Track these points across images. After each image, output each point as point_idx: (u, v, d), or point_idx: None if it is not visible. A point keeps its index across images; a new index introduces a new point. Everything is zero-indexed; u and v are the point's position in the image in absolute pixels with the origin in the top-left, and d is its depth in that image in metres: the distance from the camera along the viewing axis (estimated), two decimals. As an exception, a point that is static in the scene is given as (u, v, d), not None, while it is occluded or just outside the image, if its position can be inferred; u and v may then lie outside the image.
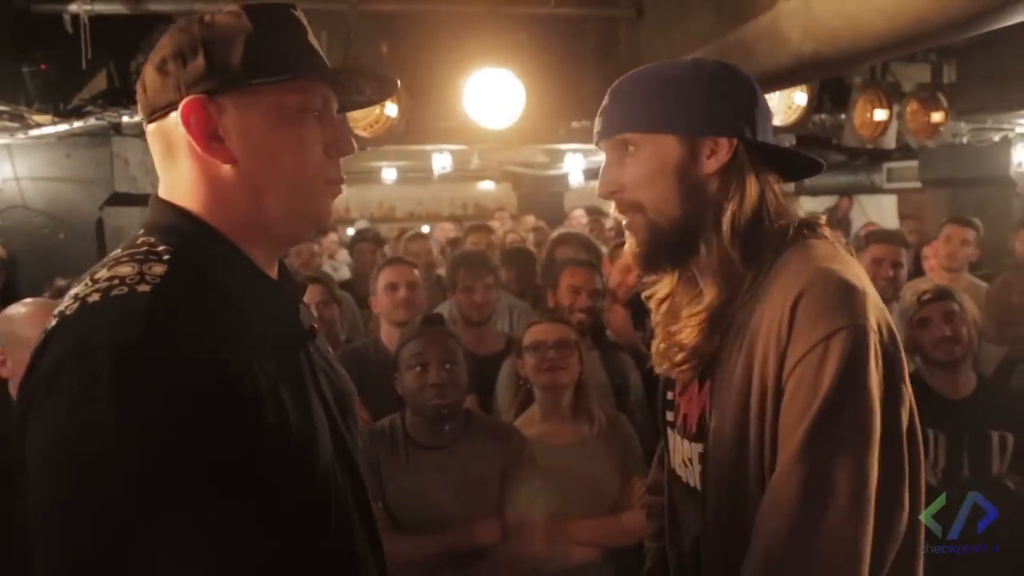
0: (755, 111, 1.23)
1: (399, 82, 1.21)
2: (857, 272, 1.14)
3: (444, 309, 3.50)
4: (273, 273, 1.12)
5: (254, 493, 0.94)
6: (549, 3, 3.34)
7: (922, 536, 1.16)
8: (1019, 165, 5.46)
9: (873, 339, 1.06)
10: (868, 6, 1.94)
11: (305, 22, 1.09)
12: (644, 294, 1.40)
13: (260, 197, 1.04)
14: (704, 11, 2.98)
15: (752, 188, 1.20)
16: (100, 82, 3.75)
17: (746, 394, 1.12)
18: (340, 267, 6.38)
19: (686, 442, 1.29)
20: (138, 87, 1.07)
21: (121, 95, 3.88)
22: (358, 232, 4.84)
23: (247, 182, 1.03)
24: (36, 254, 3.86)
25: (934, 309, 2.49)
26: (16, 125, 3.43)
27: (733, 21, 2.67)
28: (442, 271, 5.05)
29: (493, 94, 3.09)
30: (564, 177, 8.83)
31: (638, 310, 3.57)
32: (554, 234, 4.42)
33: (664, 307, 1.34)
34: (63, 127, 3.47)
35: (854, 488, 1.02)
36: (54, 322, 0.94)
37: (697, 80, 1.20)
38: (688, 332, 1.22)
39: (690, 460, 1.28)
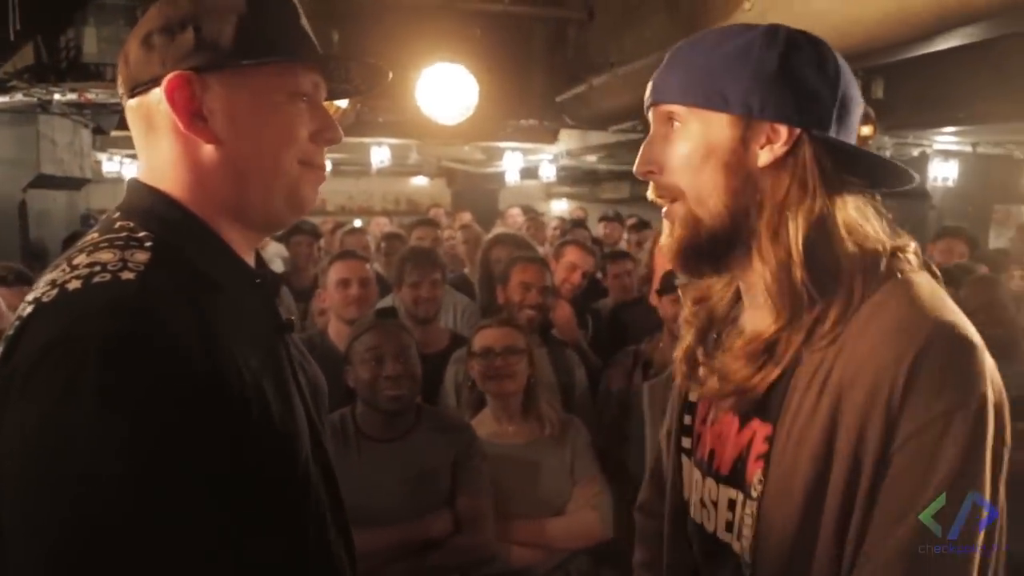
0: (834, 101, 0.99)
1: (391, 73, 1.20)
2: (966, 320, 0.96)
3: (387, 304, 3.47)
4: (251, 261, 1.10)
5: (242, 488, 0.92)
6: (503, 1, 3.34)
7: None
8: (935, 179, 5.77)
9: (992, 415, 0.91)
10: (823, 22, 2.02)
11: (298, 4, 1.07)
12: (679, 283, 1.21)
13: (243, 180, 1.01)
14: (658, 17, 3.04)
15: (818, 193, 0.98)
16: (26, 56, 3.56)
17: (827, 455, 0.95)
18: (272, 260, 6.24)
19: (710, 480, 1.13)
20: (120, 60, 1.03)
21: (50, 71, 3.69)
22: (294, 225, 4.72)
23: (230, 164, 1.00)
24: (-46, 236, 3.64)
25: None
26: (-66, 98, 3.23)
27: (687, 28, 2.73)
28: (377, 266, 5.02)
29: (447, 89, 3.08)
30: (501, 175, 8.85)
31: (581, 309, 3.64)
32: (490, 234, 4.42)
33: (703, 312, 1.17)
34: (-14, 103, 3.28)
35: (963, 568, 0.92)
36: (29, 309, 0.89)
37: (767, 50, 0.97)
38: (739, 364, 1.03)
39: (714, 503, 1.12)
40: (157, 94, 0.98)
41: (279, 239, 6.59)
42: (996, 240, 6.34)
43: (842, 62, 1.01)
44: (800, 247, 0.98)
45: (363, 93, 1.22)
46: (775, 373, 1.00)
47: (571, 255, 3.61)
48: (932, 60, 4.07)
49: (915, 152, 5.50)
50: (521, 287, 2.95)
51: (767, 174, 1.00)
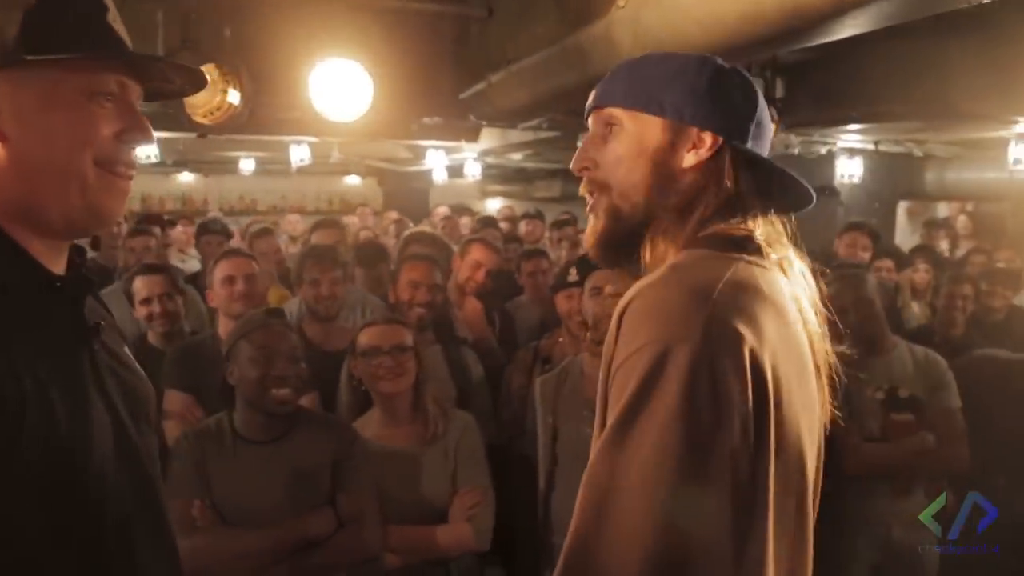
0: (752, 120, 1.14)
1: (207, 76, 1.18)
2: (728, 291, 1.00)
3: (293, 305, 3.43)
4: (56, 265, 1.06)
5: (15, 496, 0.90)
6: (400, -3, 3.32)
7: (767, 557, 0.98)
8: (842, 177, 5.94)
9: (694, 359, 0.93)
10: (688, 18, 2.06)
11: (107, 2, 1.04)
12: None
13: (33, 182, 0.98)
14: (549, 14, 3.06)
15: (729, 196, 1.11)
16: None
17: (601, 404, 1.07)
18: (190, 260, 6.10)
19: None
20: None
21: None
22: (202, 224, 4.63)
23: (19, 163, 0.98)
24: None
25: None
26: None
27: (574, 25, 2.75)
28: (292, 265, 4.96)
29: (339, 85, 3.04)
30: (428, 173, 8.81)
31: (488, 306, 3.65)
32: (405, 233, 4.40)
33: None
34: None
35: (644, 513, 0.92)
36: None
37: (699, 71, 1.13)
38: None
39: None
40: None
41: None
42: (912, 235, 6.58)
43: (760, 94, 1.17)
44: (688, 237, 1.10)
45: (187, 94, 1.20)
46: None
47: (476, 253, 3.62)
48: (830, 60, 4.21)
49: (823, 150, 5.66)
50: (410, 285, 2.95)
51: (688, 174, 1.13)
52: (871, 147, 5.65)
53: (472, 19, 3.69)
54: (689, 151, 1.12)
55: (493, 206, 12.80)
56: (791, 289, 1.11)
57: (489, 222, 5.74)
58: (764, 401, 0.97)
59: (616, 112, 1.15)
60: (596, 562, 0.94)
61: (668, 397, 0.93)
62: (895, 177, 6.31)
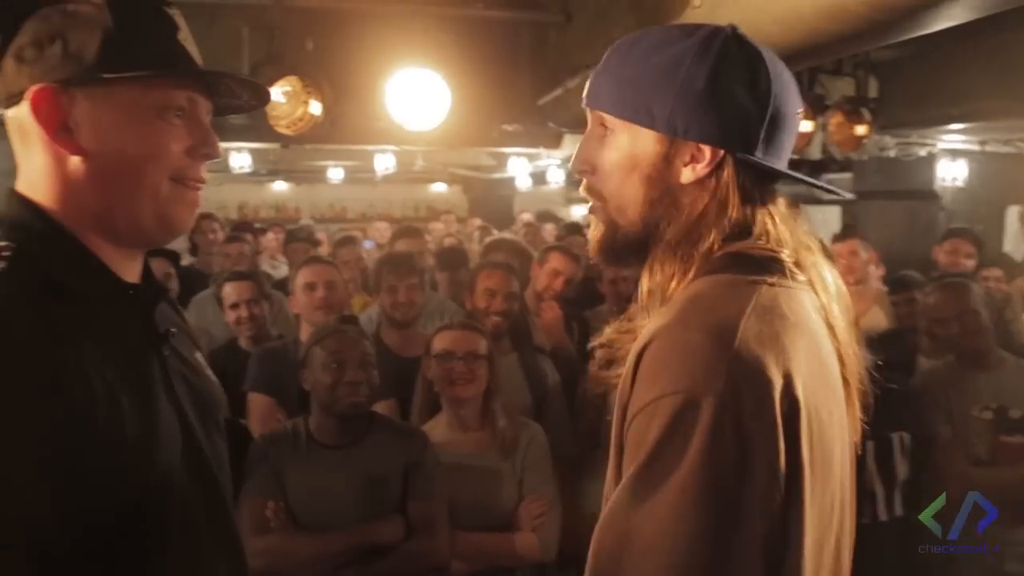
0: (763, 120, 0.98)
1: (270, 91, 1.21)
2: (755, 326, 0.90)
3: (373, 312, 3.49)
4: (130, 274, 1.10)
5: (83, 497, 0.93)
6: (477, 5, 3.34)
7: None
8: (943, 180, 5.62)
9: (719, 411, 0.85)
10: (765, 15, 1.98)
11: (179, 21, 1.08)
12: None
13: (107, 193, 1.03)
14: (626, 18, 3.02)
15: (736, 212, 0.99)
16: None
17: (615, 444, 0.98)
18: (280, 266, 6.31)
19: None
20: None
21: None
22: (290, 232, 4.79)
23: (95, 177, 1.02)
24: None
25: None
26: None
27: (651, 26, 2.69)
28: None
29: (417, 95, 3.08)
30: (512, 180, 8.85)
31: (567, 315, 3.61)
32: (487, 240, 4.41)
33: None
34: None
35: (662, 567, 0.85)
36: None
37: (696, 66, 0.96)
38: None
39: None
40: (26, 106, 1.00)
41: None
42: (1012, 242, 6.17)
43: (776, 73, 0.98)
44: (701, 260, 0.98)
45: (253, 108, 1.23)
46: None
47: (554, 261, 3.58)
48: (928, 55, 3.99)
49: (921, 152, 5.37)
50: (486, 294, 2.94)
51: (688, 191, 1.00)
52: (976, 148, 5.32)
53: (549, 25, 3.68)
54: (686, 165, 0.99)
55: (579, 212, 12.76)
56: (819, 301, 1.01)
57: (573, 229, 5.67)
58: (796, 446, 0.88)
59: (606, 117, 1.03)
60: None
61: (691, 452, 0.84)
62: (1003, 180, 5.93)
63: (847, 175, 6.43)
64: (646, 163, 1.01)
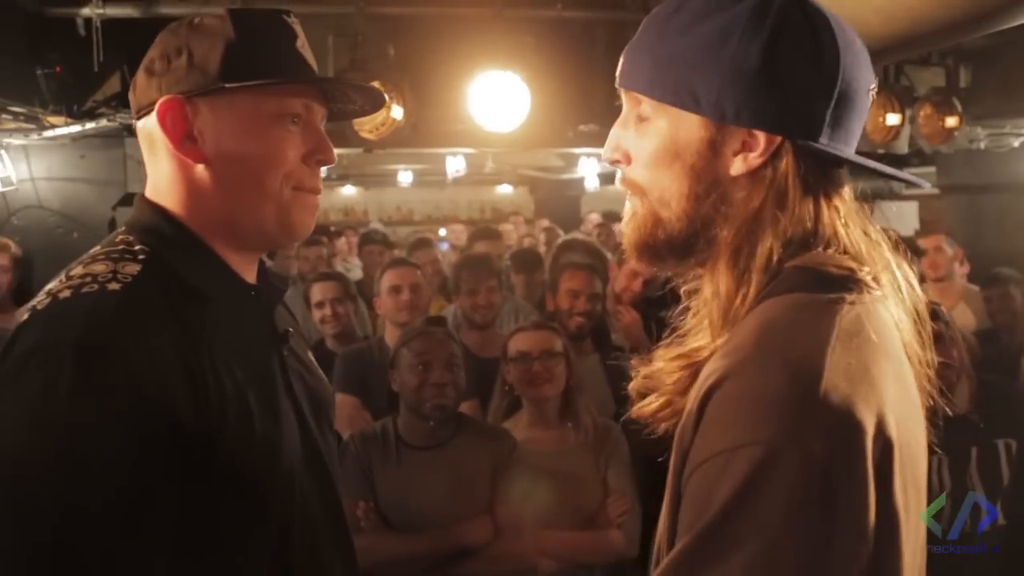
0: (829, 101, 0.84)
1: (386, 95, 1.22)
2: (840, 359, 0.77)
3: (448, 313, 3.52)
4: (250, 276, 1.14)
5: (214, 493, 0.96)
6: (556, 6, 3.33)
7: None
8: (1037, 172, 5.36)
9: (803, 467, 0.72)
10: (865, 5, 1.92)
11: (297, 29, 1.10)
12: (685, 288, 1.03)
13: (230, 199, 1.06)
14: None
15: (797, 209, 0.85)
16: (113, 84, 3.80)
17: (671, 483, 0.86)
18: (354, 268, 6.43)
19: None
20: (131, 87, 1.10)
21: (134, 97, 3.90)
22: (365, 235, 4.88)
23: (219, 184, 1.05)
24: (51, 253, 3.89)
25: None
26: (31, 126, 3.48)
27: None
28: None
29: (498, 97, 3.09)
30: (580, 181, 8.81)
31: (646, 316, 3.58)
32: (559, 240, 4.41)
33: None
34: (76, 128, 3.52)
35: None
36: (25, 316, 0.96)
37: (749, 41, 0.82)
38: (669, 375, 0.92)
39: None
40: (154, 117, 1.04)
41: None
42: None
43: (847, 42, 0.84)
44: (761, 273, 0.85)
45: (367, 114, 1.26)
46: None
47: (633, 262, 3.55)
48: (1021, 44, 3.80)
49: (1015, 143, 5.13)
50: (569, 294, 2.95)
51: (740, 184, 0.87)
52: (1074, 137, 5.06)
53: (629, 24, 3.64)
54: (737, 155, 0.85)
55: (644, 212, 12.61)
56: (896, 313, 0.88)
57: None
58: (890, 495, 0.76)
59: (643, 100, 0.89)
60: None
61: (770, 515, 0.71)
62: (1102, 170, 5.61)
63: (930, 168, 6.20)
64: (689, 152, 0.87)
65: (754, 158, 0.85)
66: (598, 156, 7.11)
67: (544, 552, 2.22)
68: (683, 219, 0.89)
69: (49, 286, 1.00)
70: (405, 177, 9.94)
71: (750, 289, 0.85)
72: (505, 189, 12.87)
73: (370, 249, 4.97)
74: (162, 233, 1.05)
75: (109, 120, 3.54)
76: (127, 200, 4.23)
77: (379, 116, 3.21)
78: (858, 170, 0.91)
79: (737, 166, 0.86)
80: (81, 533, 0.85)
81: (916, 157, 5.39)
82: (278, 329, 1.16)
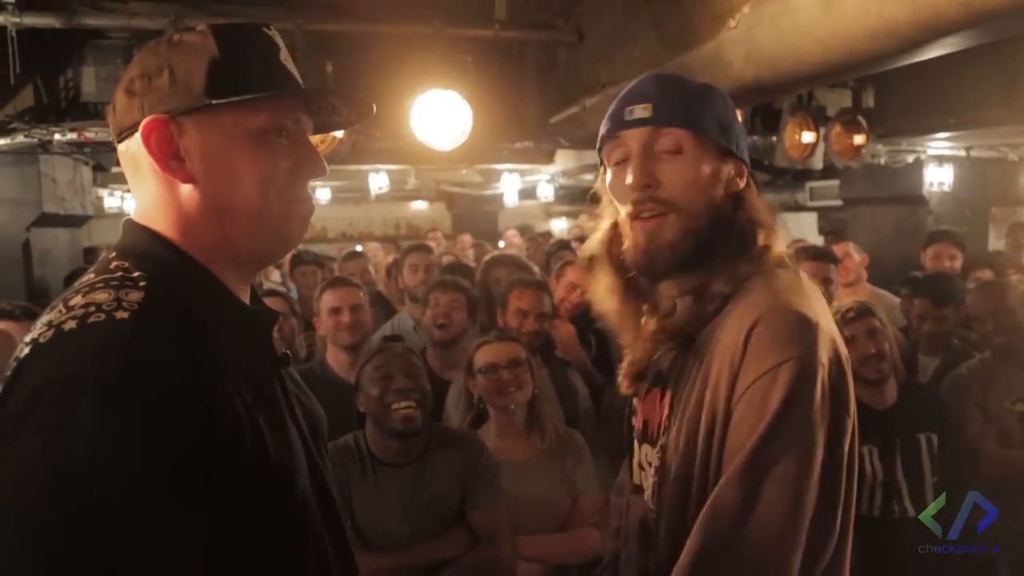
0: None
1: (375, 106, 1.21)
2: (815, 305, 1.16)
3: (388, 328, 3.50)
4: (246, 298, 1.11)
5: (236, 521, 0.94)
6: (493, 26, 3.39)
7: (847, 561, 1.18)
8: (931, 185, 5.78)
9: (821, 372, 1.08)
10: (807, 37, 2.05)
11: (279, 41, 1.08)
12: (592, 310, 1.43)
13: (223, 218, 1.03)
14: (647, 37, 3.08)
15: (767, 218, 1.24)
16: (27, 98, 3.61)
17: (699, 413, 1.15)
18: (270, 284, 6.27)
19: (646, 446, 1.31)
20: (108, 108, 1.06)
21: (50, 112, 3.74)
22: (296, 255, 4.75)
23: (210, 203, 1.02)
24: (-41, 278, 3.66)
25: (858, 327, 2.54)
26: (-63, 142, 3.28)
27: (675, 48, 2.77)
28: (382, 288, 5.04)
29: (440, 115, 3.11)
30: (499, 197, 8.89)
31: (582, 328, 3.65)
32: (487, 257, 4.44)
33: (634, 335, 1.34)
34: (-12, 144, 3.33)
35: (789, 514, 1.05)
36: (27, 351, 0.91)
37: (727, 100, 1.27)
38: (650, 346, 1.26)
39: (649, 463, 1.30)
40: (138, 138, 1.00)
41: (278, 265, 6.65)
42: (996, 241, 6.35)
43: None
44: (745, 263, 1.20)
45: (352, 125, 1.24)
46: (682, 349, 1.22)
47: (571, 275, 3.61)
48: (921, 68, 4.11)
49: (909, 159, 5.53)
50: (518, 314, 2.96)
51: (729, 200, 1.24)
52: (962, 154, 5.49)
53: (561, 45, 3.74)
54: (733, 179, 1.24)
55: (558, 226, 12.84)
56: None
57: (563, 245, 5.74)
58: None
59: (680, 133, 1.20)
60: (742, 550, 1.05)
61: (812, 405, 1.07)
62: (987, 183, 6.11)
63: (835, 182, 6.59)
64: (720, 175, 1.23)
65: (742, 181, 1.25)
66: (520, 171, 7.22)
67: (524, 557, 2.24)
68: (706, 231, 1.21)
69: (47, 317, 0.94)
70: (323, 194, 9.77)
71: (734, 274, 1.19)
72: (420, 205, 12.82)
73: (302, 270, 4.86)
74: (158, 257, 1.01)
75: (24, 136, 3.37)
76: (43, 220, 4.04)
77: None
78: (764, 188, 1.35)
79: (732, 186, 1.24)
80: (104, 566, 0.82)
81: (820, 171, 5.73)
82: (276, 352, 1.14)
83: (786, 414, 1.05)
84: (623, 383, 1.35)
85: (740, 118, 1.30)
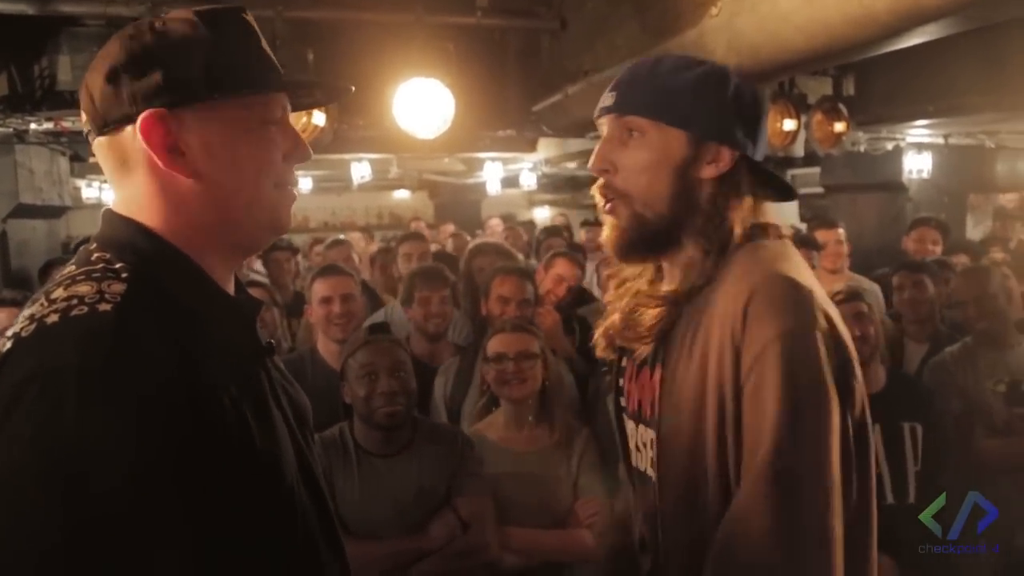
0: (759, 130, 1.24)
1: (353, 88, 1.21)
2: (805, 273, 1.17)
3: (379, 317, 3.48)
4: (230, 288, 1.11)
5: (225, 511, 0.94)
6: (475, 14, 3.37)
7: (874, 518, 1.20)
8: (910, 172, 5.83)
9: (820, 338, 1.09)
10: (787, 24, 2.06)
11: (255, 27, 1.08)
12: (606, 273, 1.43)
13: (224, 208, 1.03)
14: (629, 25, 3.08)
15: (747, 205, 1.22)
16: (1, 86, 3.55)
17: (702, 386, 1.14)
18: (256, 276, 6.23)
19: (642, 426, 1.31)
20: (83, 96, 1.03)
21: (25, 101, 3.68)
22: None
23: (210, 194, 1.02)
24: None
25: (845, 311, 2.58)
26: (-91, 132, 3.22)
27: (658, 35, 2.77)
28: (366, 277, 5.02)
29: (423, 104, 3.10)
30: (482, 185, 8.87)
31: (567, 316, 3.65)
32: (471, 245, 4.42)
33: (622, 289, 1.36)
34: (-39, 135, 3.27)
35: (822, 482, 1.06)
36: (8, 345, 0.90)
37: (721, 84, 1.21)
38: (650, 314, 1.24)
39: (644, 444, 1.30)
40: (130, 132, 0.99)
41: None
42: (974, 228, 6.44)
43: (765, 98, 1.32)
44: (726, 242, 1.20)
45: (325, 104, 1.24)
46: (662, 323, 1.23)
47: (560, 267, 3.61)
48: (902, 56, 4.14)
49: (889, 146, 5.57)
50: (500, 301, 2.96)
51: (707, 185, 1.21)
52: (940, 141, 5.54)
53: (543, 32, 3.72)
54: (709, 163, 1.20)
55: (541, 215, 12.84)
56: None
57: (554, 231, 5.73)
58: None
59: (639, 121, 1.20)
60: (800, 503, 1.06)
61: (820, 369, 1.08)
62: (965, 170, 6.18)
63: (815, 169, 6.63)
64: (675, 160, 1.19)
65: (723, 165, 1.21)
66: (504, 160, 7.21)
67: (513, 548, 2.23)
68: (665, 214, 1.21)
69: (29, 311, 0.93)
70: (305, 184, 9.70)
71: (715, 252, 1.20)
72: (402, 194, 12.77)
73: (277, 257, 4.81)
74: (141, 249, 1.00)
75: (1, 126, 3.31)
76: (19, 211, 3.99)
77: (300, 122, 3.15)
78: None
79: (708, 171, 1.20)
80: (97, 559, 0.82)
81: (802, 159, 5.76)
82: (261, 341, 1.13)
83: (794, 387, 1.07)
84: (599, 343, 1.37)
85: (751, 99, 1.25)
